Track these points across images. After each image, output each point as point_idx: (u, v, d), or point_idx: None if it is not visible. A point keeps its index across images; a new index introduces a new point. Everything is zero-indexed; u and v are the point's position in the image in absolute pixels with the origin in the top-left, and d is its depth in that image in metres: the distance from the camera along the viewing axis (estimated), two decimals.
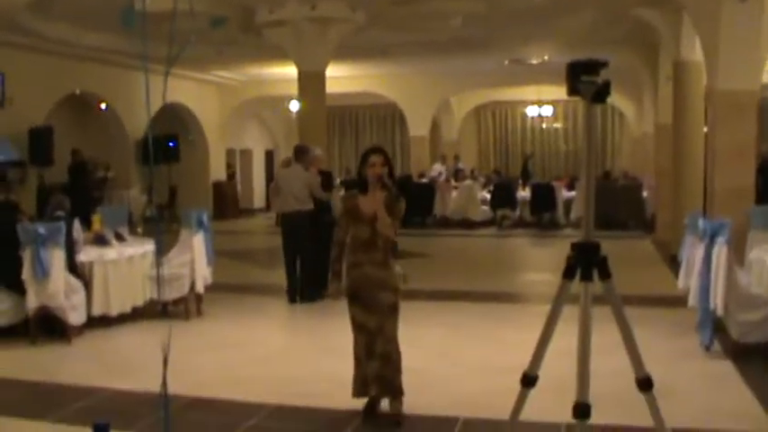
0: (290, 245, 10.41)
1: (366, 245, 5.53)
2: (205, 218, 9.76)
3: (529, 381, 2.50)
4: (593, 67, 2.24)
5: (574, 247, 2.35)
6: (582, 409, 2.42)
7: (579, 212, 20.39)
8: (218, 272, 10.25)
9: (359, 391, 5.74)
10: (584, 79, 2.21)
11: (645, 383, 2.42)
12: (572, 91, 2.25)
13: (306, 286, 10.35)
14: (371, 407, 5.76)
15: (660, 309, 9.53)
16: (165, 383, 1.52)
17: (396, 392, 5.62)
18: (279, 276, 10.86)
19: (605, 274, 2.34)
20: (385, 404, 5.75)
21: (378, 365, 5.57)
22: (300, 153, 10.56)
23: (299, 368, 7.32)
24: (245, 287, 11.82)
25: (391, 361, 5.57)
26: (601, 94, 2.13)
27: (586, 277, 2.32)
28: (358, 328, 5.66)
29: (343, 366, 7.25)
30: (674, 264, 11.45)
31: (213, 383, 6.67)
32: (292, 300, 10.39)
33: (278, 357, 7.83)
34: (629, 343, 2.41)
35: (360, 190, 5.62)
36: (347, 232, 5.64)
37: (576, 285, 2.46)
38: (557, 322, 2.45)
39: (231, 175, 26.33)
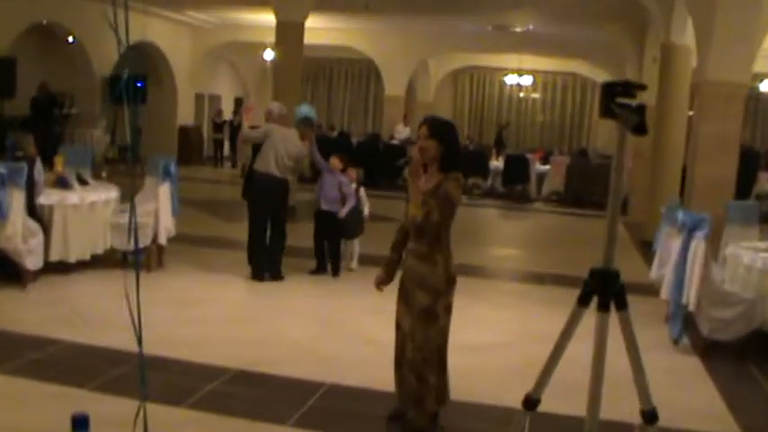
0: (265, 212, 9.15)
1: (415, 231, 4.81)
2: (173, 167, 9.44)
3: (531, 403, 2.34)
4: (629, 88, 2.03)
5: (593, 273, 2.17)
6: None
7: (552, 187, 20.47)
8: (181, 222, 9.94)
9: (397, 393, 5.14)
10: (620, 102, 1.99)
11: (650, 417, 2.28)
12: (606, 112, 2.04)
13: (273, 261, 9.26)
14: (397, 412, 5.14)
15: (629, 296, 9.40)
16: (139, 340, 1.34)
17: (414, 403, 4.93)
18: (242, 230, 9.79)
19: (622, 305, 2.16)
20: None
21: (403, 372, 4.98)
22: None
23: (262, 331, 7.16)
24: (208, 240, 11.59)
25: (415, 371, 4.87)
26: (641, 126, 1.92)
27: (604, 307, 2.14)
28: (396, 325, 5.03)
29: (307, 332, 7.12)
30: (644, 248, 11.39)
31: (173, 342, 6.43)
32: (260, 276, 9.16)
33: (240, 318, 7.68)
34: (638, 375, 2.25)
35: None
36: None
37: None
38: (565, 348, 2.27)
39: (220, 124, 24.97)
